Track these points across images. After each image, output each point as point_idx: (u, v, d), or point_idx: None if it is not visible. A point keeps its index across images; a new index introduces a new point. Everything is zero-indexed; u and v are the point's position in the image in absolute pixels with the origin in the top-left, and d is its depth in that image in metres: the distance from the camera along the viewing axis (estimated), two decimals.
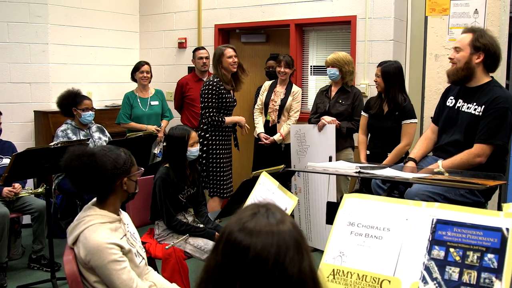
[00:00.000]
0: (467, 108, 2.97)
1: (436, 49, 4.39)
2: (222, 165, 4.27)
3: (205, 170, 4.24)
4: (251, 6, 5.67)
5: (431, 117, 3.38)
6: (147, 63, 5.33)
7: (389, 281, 1.63)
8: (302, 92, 5.22)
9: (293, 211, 3.28)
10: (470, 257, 1.54)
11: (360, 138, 4.16)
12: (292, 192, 3.64)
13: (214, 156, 4.23)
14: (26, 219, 4.51)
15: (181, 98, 5.46)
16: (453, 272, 1.54)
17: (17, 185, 4.06)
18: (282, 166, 3.02)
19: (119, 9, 6.39)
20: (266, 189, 2.42)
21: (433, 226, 1.65)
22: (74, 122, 4.46)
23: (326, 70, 4.45)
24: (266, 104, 4.87)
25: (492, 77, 3.03)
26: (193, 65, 5.58)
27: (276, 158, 4.68)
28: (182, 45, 6.29)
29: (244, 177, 2.78)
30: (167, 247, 3.14)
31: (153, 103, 5.27)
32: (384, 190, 3.07)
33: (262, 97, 4.93)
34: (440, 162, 2.89)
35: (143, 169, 2.38)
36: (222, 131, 4.29)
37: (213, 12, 6.00)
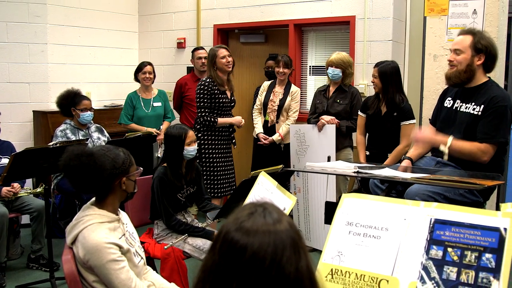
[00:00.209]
0: (466, 108, 2.98)
1: (435, 50, 4.39)
2: (215, 165, 4.24)
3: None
4: (250, 6, 5.67)
5: (429, 119, 3.39)
6: (150, 64, 5.28)
7: (387, 281, 1.63)
8: (301, 92, 5.22)
9: (292, 210, 3.28)
10: (468, 256, 1.55)
11: (358, 139, 4.17)
12: (291, 192, 3.65)
13: (207, 156, 4.21)
14: (25, 219, 4.51)
15: (180, 98, 5.45)
16: (451, 272, 1.55)
17: (16, 185, 4.06)
18: (281, 166, 3.03)
19: (118, 9, 6.39)
20: (265, 189, 2.42)
21: (431, 226, 1.66)
22: (73, 122, 4.46)
23: (325, 70, 4.46)
24: (265, 104, 4.87)
25: (489, 77, 3.04)
26: (192, 65, 5.58)
27: (275, 158, 4.69)
28: (181, 45, 6.29)
29: (243, 177, 2.78)
30: (166, 247, 3.14)
31: (155, 104, 5.23)
32: (381, 190, 3.08)
33: (261, 97, 4.94)
34: (451, 138, 2.87)
35: (141, 168, 2.38)
36: (217, 131, 4.28)
37: (212, 12, 6.00)
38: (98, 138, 4.56)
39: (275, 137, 4.74)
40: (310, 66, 5.52)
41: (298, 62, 5.48)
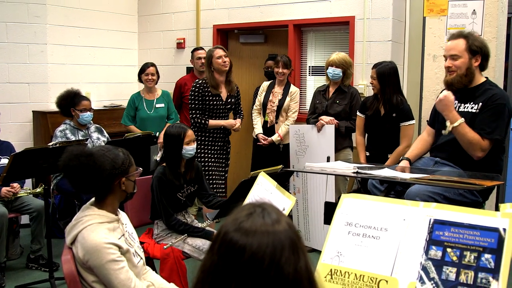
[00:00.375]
0: (464, 108, 2.99)
1: (434, 50, 4.39)
2: (207, 167, 4.22)
3: None
4: (249, 7, 5.67)
5: (427, 121, 3.40)
6: (153, 65, 5.21)
7: (387, 281, 1.63)
8: (300, 92, 5.22)
9: (291, 211, 3.28)
10: (467, 257, 1.55)
11: (358, 140, 4.17)
12: (290, 192, 3.65)
13: (198, 157, 4.18)
14: (25, 219, 4.51)
15: (179, 98, 5.45)
16: (450, 272, 1.55)
17: (15, 185, 4.06)
18: (280, 166, 3.03)
19: (117, 10, 6.39)
20: (264, 189, 2.42)
21: (430, 226, 1.66)
22: (73, 122, 4.46)
23: (324, 71, 4.46)
24: (264, 105, 4.87)
25: (486, 77, 3.05)
26: (192, 66, 5.58)
27: (275, 158, 4.69)
28: (180, 45, 6.29)
29: (243, 178, 2.78)
30: (165, 247, 3.14)
31: (158, 105, 5.17)
32: (380, 190, 3.08)
33: (260, 98, 4.94)
34: (462, 120, 2.84)
35: (141, 169, 2.38)
36: (209, 133, 4.25)
37: (211, 12, 6.00)
38: (98, 138, 4.56)
39: (275, 137, 4.74)
40: (309, 67, 5.52)
41: (298, 62, 5.48)
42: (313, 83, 5.50)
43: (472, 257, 1.54)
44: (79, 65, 5.94)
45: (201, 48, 5.47)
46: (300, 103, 5.02)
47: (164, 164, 3.33)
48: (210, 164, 4.24)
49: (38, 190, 4.17)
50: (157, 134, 4.78)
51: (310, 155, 4.40)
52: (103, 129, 4.73)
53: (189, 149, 3.32)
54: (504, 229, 1.53)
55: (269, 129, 4.85)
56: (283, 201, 2.35)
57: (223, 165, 4.37)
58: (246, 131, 5.60)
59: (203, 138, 4.24)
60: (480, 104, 2.91)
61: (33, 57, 5.53)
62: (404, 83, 4.91)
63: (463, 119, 2.87)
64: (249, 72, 6.02)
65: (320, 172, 3.38)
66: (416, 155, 3.25)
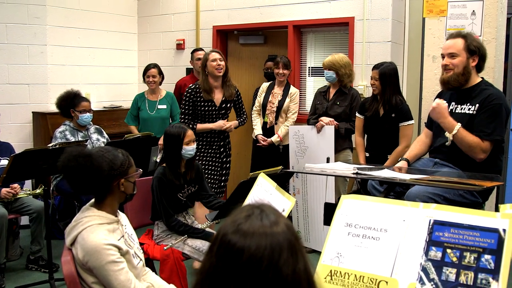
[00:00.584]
0: (461, 109, 3.00)
1: (434, 51, 4.39)
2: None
3: None
4: (249, 8, 5.68)
5: (425, 123, 3.41)
6: (155, 66, 5.20)
7: (386, 282, 1.63)
8: (300, 93, 5.23)
9: (291, 212, 3.28)
10: (467, 258, 1.55)
11: (357, 141, 4.17)
12: (290, 193, 3.65)
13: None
14: (24, 220, 4.50)
15: (179, 99, 5.44)
16: (450, 273, 1.55)
17: (15, 186, 4.05)
18: (280, 167, 3.03)
19: (117, 11, 6.39)
20: (264, 190, 2.42)
21: (430, 227, 1.66)
22: (73, 124, 4.46)
23: (324, 72, 4.46)
24: (264, 106, 4.87)
25: (482, 77, 3.05)
26: (191, 67, 5.58)
27: (274, 159, 4.69)
28: (180, 46, 6.30)
29: (242, 179, 2.78)
30: (165, 248, 3.14)
31: (160, 106, 5.17)
32: (379, 191, 3.09)
33: (260, 99, 4.94)
34: (459, 125, 2.86)
35: (141, 170, 2.38)
36: (203, 137, 4.20)
37: (211, 13, 6.00)
38: (98, 139, 4.56)
39: (274, 138, 4.74)
40: (309, 67, 5.52)
41: (297, 63, 5.49)
42: (312, 84, 5.50)
43: (472, 258, 1.54)
44: (79, 66, 5.95)
45: (201, 49, 5.47)
46: (299, 104, 5.02)
47: (164, 165, 3.33)
48: (204, 168, 4.19)
49: (38, 191, 4.17)
50: (157, 136, 4.78)
51: (309, 156, 4.40)
52: (102, 130, 4.73)
53: (189, 149, 3.32)
54: (504, 230, 1.54)
55: (268, 130, 4.85)
56: (282, 202, 2.36)
57: (218, 168, 4.25)
58: (246, 132, 5.60)
59: (197, 143, 4.18)
60: (477, 105, 2.92)
61: (33, 58, 5.53)
62: (404, 84, 4.91)
63: (459, 124, 2.88)
64: (249, 73, 6.02)
65: (320, 173, 3.38)
66: (414, 155, 3.26)
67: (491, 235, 1.55)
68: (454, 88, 3.04)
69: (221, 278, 1.07)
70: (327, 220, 3.11)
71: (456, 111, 3.03)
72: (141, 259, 2.32)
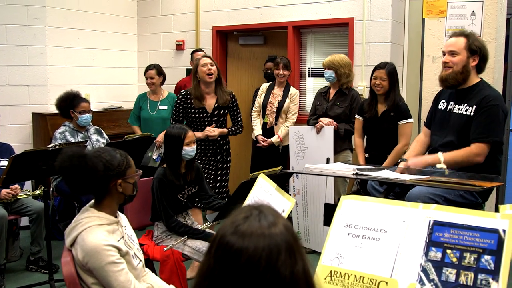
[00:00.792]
0: (459, 110, 3.01)
1: (434, 51, 4.40)
2: None
3: None
4: (249, 8, 5.68)
5: (424, 122, 3.41)
6: (155, 67, 5.17)
7: (386, 283, 1.63)
8: (300, 94, 5.23)
9: (291, 212, 3.28)
10: (467, 258, 1.55)
11: (357, 142, 4.17)
12: (290, 194, 3.65)
13: None
14: (24, 221, 4.50)
15: None
16: (450, 274, 1.55)
17: (15, 187, 4.05)
18: (280, 168, 3.03)
19: (117, 11, 6.39)
20: (263, 191, 2.42)
21: (430, 227, 1.66)
22: (72, 124, 4.46)
23: (323, 72, 4.46)
24: (264, 106, 4.88)
25: (481, 78, 3.06)
26: (191, 67, 5.58)
27: (274, 160, 4.69)
28: (180, 47, 6.30)
29: (242, 179, 2.79)
30: (165, 248, 3.14)
31: (161, 107, 5.16)
32: (379, 192, 3.09)
33: (260, 99, 4.94)
34: (440, 154, 2.90)
35: (141, 171, 2.38)
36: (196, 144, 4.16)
37: (211, 14, 6.00)
38: (97, 140, 4.56)
39: (274, 139, 4.74)
40: (309, 68, 5.52)
41: (297, 64, 5.49)
42: (312, 84, 5.50)
43: (472, 258, 1.54)
44: (78, 67, 5.95)
45: (201, 50, 5.48)
46: (299, 104, 5.02)
47: (164, 166, 3.33)
48: None
49: (37, 192, 4.17)
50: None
51: (309, 157, 4.40)
52: (102, 131, 4.73)
53: (189, 150, 3.32)
54: (504, 230, 1.54)
55: (268, 131, 4.85)
56: (282, 203, 2.36)
57: (212, 177, 4.11)
58: (246, 132, 5.60)
59: None
60: (474, 106, 2.92)
61: (32, 59, 5.53)
62: (404, 84, 4.91)
63: (440, 153, 2.93)
64: (248, 74, 6.02)
65: (320, 173, 3.38)
66: (415, 156, 3.26)
67: (491, 235, 1.55)
68: (452, 86, 3.05)
69: (219, 279, 1.07)
70: (327, 221, 3.11)
71: (454, 111, 3.04)
72: (140, 260, 2.32)
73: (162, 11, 6.44)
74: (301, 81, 5.55)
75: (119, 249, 2.12)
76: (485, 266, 1.51)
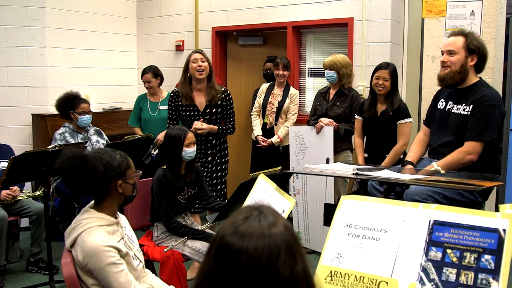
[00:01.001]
0: (457, 109, 3.01)
1: (433, 51, 4.40)
2: None
3: None
4: (248, 9, 5.68)
5: (423, 120, 3.41)
6: (150, 70, 5.15)
7: (387, 283, 1.63)
8: (300, 94, 5.23)
9: (291, 213, 3.28)
10: (467, 258, 1.55)
11: (356, 142, 4.17)
12: (290, 194, 3.65)
13: None
14: (24, 222, 4.50)
15: None
16: (450, 273, 1.55)
17: (15, 188, 4.05)
18: (280, 168, 3.03)
19: (116, 12, 6.39)
20: (263, 191, 2.42)
21: (430, 227, 1.66)
22: (72, 125, 4.46)
23: (323, 72, 4.46)
24: (264, 107, 4.88)
25: (480, 77, 3.06)
26: None
27: (274, 160, 4.69)
28: (179, 47, 6.29)
29: (242, 179, 2.79)
30: (165, 249, 3.14)
31: (162, 107, 5.13)
32: (379, 191, 3.09)
33: (259, 100, 4.94)
34: (434, 163, 2.92)
35: (141, 172, 2.38)
36: None
37: (210, 14, 6.00)
38: (97, 141, 4.56)
39: (274, 139, 4.74)
40: (308, 68, 5.52)
41: (297, 64, 5.48)
42: (312, 85, 5.50)
43: (472, 258, 1.54)
44: (78, 68, 5.94)
45: (201, 51, 5.46)
46: (299, 105, 5.02)
47: (164, 167, 3.33)
48: None
49: (37, 193, 4.15)
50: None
51: (309, 157, 4.40)
52: (102, 132, 4.73)
53: (189, 151, 3.32)
54: (504, 230, 1.53)
55: (268, 131, 4.85)
56: (282, 203, 2.35)
57: (208, 178, 4.01)
58: (246, 133, 5.60)
59: None
60: (471, 105, 2.92)
61: (32, 60, 5.53)
62: (403, 84, 4.91)
63: (433, 163, 2.94)
64: (248, 74, 6.02)
65: (320, 173, 3.37)
66: (417, 158, 3.27)
67: (491, 235, 1.55)
68: (450, 86, 3.05)
69: (219, 280, 1.07)
70: (327, 221, 3.11)
71: (453, 111, 3.04)
72: (140, 261, 2.32)
73: (162, 12, 6.44)
74: (300, 81, 5.55)
75: (119, 250, 2.12)
76: (485, 266, 1.51)
